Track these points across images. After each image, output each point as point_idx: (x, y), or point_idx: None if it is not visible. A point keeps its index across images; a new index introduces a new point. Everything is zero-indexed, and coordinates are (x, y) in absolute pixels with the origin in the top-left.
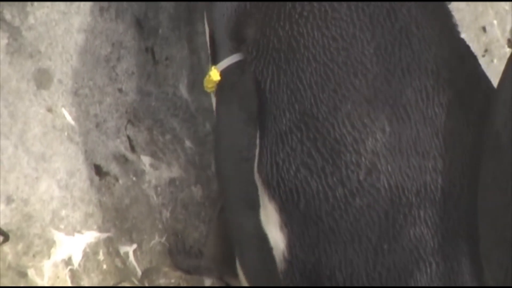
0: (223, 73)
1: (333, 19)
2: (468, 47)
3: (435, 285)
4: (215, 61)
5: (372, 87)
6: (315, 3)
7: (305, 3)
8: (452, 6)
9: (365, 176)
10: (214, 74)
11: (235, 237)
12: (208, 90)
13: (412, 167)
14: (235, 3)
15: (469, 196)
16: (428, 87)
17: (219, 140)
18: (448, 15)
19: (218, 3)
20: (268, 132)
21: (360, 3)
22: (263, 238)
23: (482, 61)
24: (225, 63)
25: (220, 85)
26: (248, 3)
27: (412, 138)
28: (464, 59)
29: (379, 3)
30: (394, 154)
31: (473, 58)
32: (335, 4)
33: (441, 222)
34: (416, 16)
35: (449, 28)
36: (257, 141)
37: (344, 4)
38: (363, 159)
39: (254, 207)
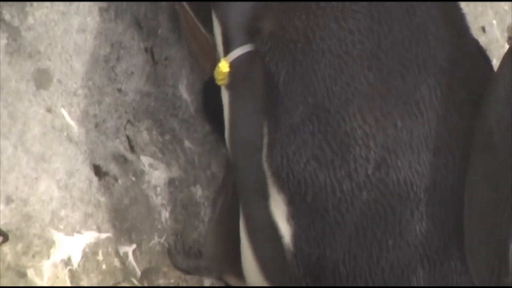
0: (233, 64)
1: (351, 11)
2: (482, 53)
3: (438, 283)
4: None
5: (386, 82)
6: None
7: None
8: None
9: (374, 170)
10: (223, 66)
11: (249, 227)
12: (219, 83)
13: (422, 164)
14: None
15: None
16: (443, 85)
17: (234, 131)
18: (466, 28)
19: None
20: (281, 125)
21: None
22: (276, 227)
23: None
24: (234, 54)
25: (231, 76)
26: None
27: (424, 134)
28: (479, 65)
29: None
30: (404, 150)
31: (489, 65)
32: None
33: (448, 220)
34: (435, 17)
35: (467, 36)
36: (265, 131)
37: None
38: (372, 153)
39: (267, 197)
